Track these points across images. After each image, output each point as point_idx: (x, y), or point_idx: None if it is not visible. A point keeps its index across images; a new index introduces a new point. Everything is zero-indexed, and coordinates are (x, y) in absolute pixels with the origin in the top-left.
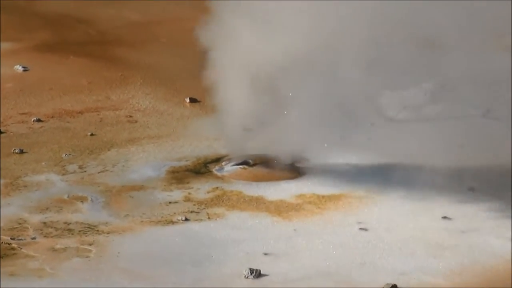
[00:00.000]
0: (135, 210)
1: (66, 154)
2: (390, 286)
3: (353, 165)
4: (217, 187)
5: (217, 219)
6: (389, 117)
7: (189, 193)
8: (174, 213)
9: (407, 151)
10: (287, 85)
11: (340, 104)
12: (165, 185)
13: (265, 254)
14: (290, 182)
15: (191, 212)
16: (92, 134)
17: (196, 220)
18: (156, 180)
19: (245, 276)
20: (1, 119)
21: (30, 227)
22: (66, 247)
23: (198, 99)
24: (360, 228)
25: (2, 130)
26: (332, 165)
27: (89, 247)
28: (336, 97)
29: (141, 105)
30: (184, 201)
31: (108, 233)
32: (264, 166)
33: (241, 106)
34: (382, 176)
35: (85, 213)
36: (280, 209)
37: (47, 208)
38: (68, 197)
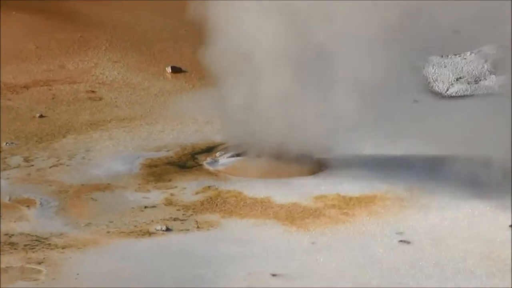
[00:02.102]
0: (99, 217)
1: (6, 143)
2: None
3: (389, 156)
4: (209, 187)
5: (210, 229)
6: (437, 92)
7: (172, 195)
8: (152, 221)
9: (461, 138)
10: (307, 48)
11: (372, 75)
12: (139, 184)
13: (273, 275)
14: (306, 179)
15: (175, 219)
16: (41, 116)
17: (181, 230)
18: (128, 177)
19: None
20: None
21: None
22: (7, 267)
23: (183, 68)
24: (400, 241)
25: None
26: (363, 156)
27: (39, 267)
28: (368, 66)
29: (106, 77)
30: (165, 205)
31: (63, 247)
32: (272, 157)
33: (243, 76)
34: (428, 170)
35: (32, 222)
36: (293, 215)
37: None
38: (9, 200)
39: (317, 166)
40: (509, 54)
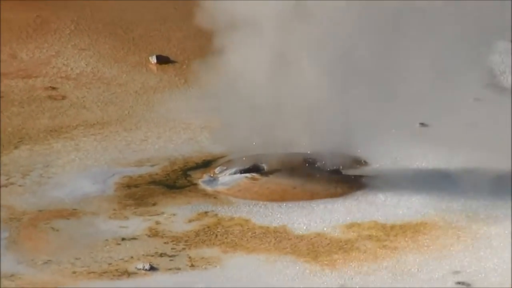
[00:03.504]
0: (62, 253)
1: None
2: None
3: (442, 171)
4: (206, 212)
5: (207, 267)
6: (504, 88)
7: (157, 223)
8: (131, 257)
9: None
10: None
11: (419, 67)
12: (114, 209)
13: None
14: (334, 202)
15: (161, 255)
16: None
17: (170, 269)
18: (99, 200)
19: None
20: None
21: None
22: None
23: (172, 58)
24: (458, 283)
25: None
26: (407, 171)
27: None
28: (413, 57)
29: (71, 69)
30: (149, 236)
31: None
32: (288, 174)
33: (251, 68)
34: (493, 190)
35: None
36: (316, 249)
37: None
38: None
39: (348, 184)
40: None
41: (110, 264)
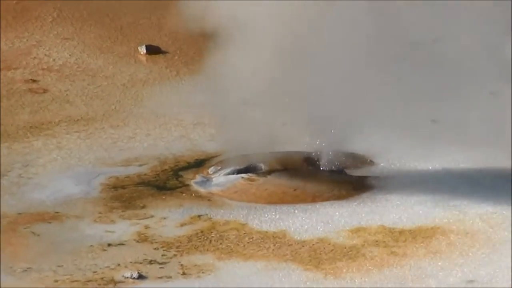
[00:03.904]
0: (43, 260)
1: None
2: None
3: (455, 171)
4: (199, 216)
5: (201, 275)
6: None
7: (146, 227)
8: (118, 264)
9: None
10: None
11: (431, 56)
12: (100, 213)
13: None
14: (338, 204)
15: (151, 262)
16: None
17: (160, 278)
18: (84, 202)
19: None
20: None
21: None
22: None
23: (163, 48)
24: None
25: None
26: (417, 172)
27: None
28: (426, 42)
29: (54, 60)
30: (137, 241)
31: None
32: (288, 174)
33: (250, 60)
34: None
35: None
36: (319, 256)
37: None
38: None
39: (353, 186)
40: None
41: (95, 272)
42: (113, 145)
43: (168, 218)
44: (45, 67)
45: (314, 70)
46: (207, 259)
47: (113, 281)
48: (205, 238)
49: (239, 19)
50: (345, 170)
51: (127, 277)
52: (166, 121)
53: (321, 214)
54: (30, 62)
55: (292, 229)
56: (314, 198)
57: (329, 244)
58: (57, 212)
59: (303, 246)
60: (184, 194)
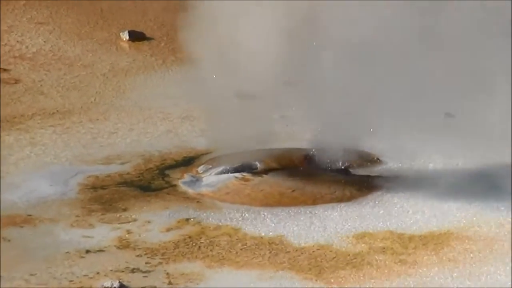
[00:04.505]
0: (14, 267)
1: None
2: None
3: (471, 170)
4: (187, 219)
5: (188, 285)
6: None
7: (129, 232)
8: (97, 273)
9: None
10: None
11: (440, 44)
12: (77, 216)
13: None
14: (341, 207)
15: (133, 271)
16: None
17: None
18: (59, 204)
19: None
20: None
21: None
22: None
23: (147, 34)
24: None
25: None
26: (429, 171)
27: None
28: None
29: (27, 48)
30: (118, 248)
31: None
32: (286, 174)
33: (244, 47)
34: None
35: None
36: (320, 264)
37: None
38: None
39: (358, 187)
40: None
41: (72, 281)
42: (92, 141)
43: (153, 222)
44: (17, 55)
45: (315, 59)
46: (196, 267)
47: None
48: (194, 244)
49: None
50: (349, 169)
51: (107, 287)
52: (151, 114)
53: (322, 218)
54: (1, 50)
55: (290, 234)
56: (315, 200)
57: (331, 251)
58: (30, 215)
59: (302, 253)
60: (170, 196)
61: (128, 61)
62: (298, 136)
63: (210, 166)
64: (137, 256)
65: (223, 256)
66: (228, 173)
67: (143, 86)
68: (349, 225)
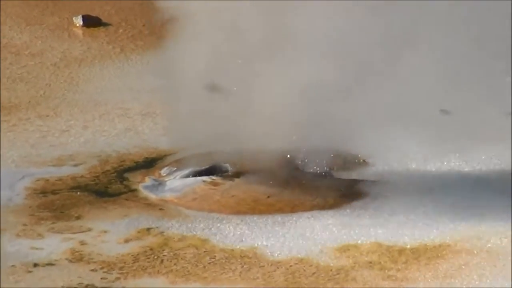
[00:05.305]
0: None
1: None
2: None
3: (469, 174)
4: (148, 229)
5: None
6: None
7: (82, 243)
8: None
9: None
10: None
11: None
12: (24, 225)
13: None
14: (322, 215)
15: (87, 287)
16: None
17: None
18: (4, 211)
19: None
20: None
21: None
22: None
23: (104, 20)
24: None
25: None
26: (422, 174)
27: None
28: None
29: None
30: (70, 261)
31: None
32: (261, 178)
33: (214, 34)
34: None
35: None
36: (298, 280)
37: None
38: None
39: (342, 192)
40: None
41: None
42: (41, 139)
43: (110, 232)
44: None
45: (297, 49)
46: (158, 283)
47: None
48: (156, 257)
49: None
50: (332, 172)
51: None
52: (108, 110)
53: (302, 228)
54: None
55: (265, 246)
56: (293, 208)
57: (311, 265)
58: None
59: (278, 267)
60: (130, 202)
61: (82, 50)
62: (275, 135)
63: (175, 169)
64: (92, 270)
65: (188, 271)
66: (195, 176)
67: (99, 78)
68: (331, 236)
